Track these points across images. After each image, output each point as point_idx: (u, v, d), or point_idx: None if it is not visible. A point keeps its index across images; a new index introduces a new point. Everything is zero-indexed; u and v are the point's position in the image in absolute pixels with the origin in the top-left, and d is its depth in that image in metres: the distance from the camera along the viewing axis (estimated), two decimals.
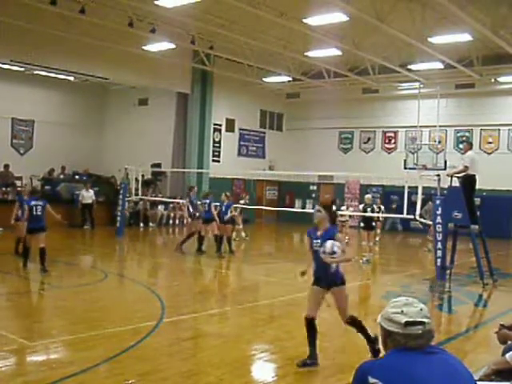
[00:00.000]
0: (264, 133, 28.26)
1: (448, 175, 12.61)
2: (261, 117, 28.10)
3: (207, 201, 14.50)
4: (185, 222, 17.97)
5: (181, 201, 22.49)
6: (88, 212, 20.19)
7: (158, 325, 7.24)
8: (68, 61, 19.95)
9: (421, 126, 22.19)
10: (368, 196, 15.42)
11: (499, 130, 23.46)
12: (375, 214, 14.73)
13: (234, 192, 23.58)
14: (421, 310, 2.41)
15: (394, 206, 22.02)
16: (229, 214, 14.82)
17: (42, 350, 6.14)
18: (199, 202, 15.08)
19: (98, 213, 20.86)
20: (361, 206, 14.98)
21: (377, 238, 16.65)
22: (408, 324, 2.35)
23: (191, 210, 15.17)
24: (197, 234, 14.76)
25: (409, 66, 21.34)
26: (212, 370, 5.58)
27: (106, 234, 19.02)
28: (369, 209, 14.67)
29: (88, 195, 20.15)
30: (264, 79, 24.80)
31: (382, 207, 17.25)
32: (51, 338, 6.57)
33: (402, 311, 2.39)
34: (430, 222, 14.47)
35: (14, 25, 16.81)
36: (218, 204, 14.86)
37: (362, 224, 14.73)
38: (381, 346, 2.50)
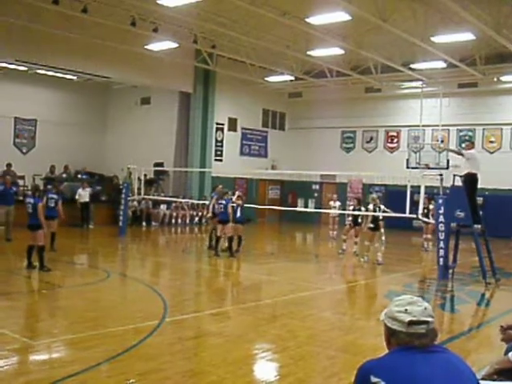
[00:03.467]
0: (266, 132, 28.25)
1: (442, 148, 12.57)
2: (263, 116, 28.08)
3: (224, 201, 14.45)
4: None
5: (183, 200, 22.54)
6: (85, 211, 20.15)
7: (161, 324, 7.24)
8: (71, 60, 19.94)
9: (423, 125, 22.14)
10: (373, 196, 15.23)
11: (502, 129, 23.41)
12: (383, 214, 14.57)
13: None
14: (425, 308, 2.39)
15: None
16: (238, 214, 14.84)
17: (43, 350, 6.15)
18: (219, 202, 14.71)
19: (101, 212, 20.87)
20: (370, 206, 14.66)
21: (383, 238, 16.60)
22: (412, 323, 2.34)
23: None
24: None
25: (411, 65, 21.29)
26: (214, 370, 5.58)
27: (109, 233, 19.02)
28: (377, 209, 14.41)
29: (85, 194, 19.99)
30: (266, 78, 24.77)
31: (383, 207, 17.19)
32: (53, 337, 6.58)
33: (406, 310, 2.37)
34: (433, 221, 14.43)
35: (16, 24, 16.85)
36: (234, 205, 14.81)
37: (370, 225, 14.41)
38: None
